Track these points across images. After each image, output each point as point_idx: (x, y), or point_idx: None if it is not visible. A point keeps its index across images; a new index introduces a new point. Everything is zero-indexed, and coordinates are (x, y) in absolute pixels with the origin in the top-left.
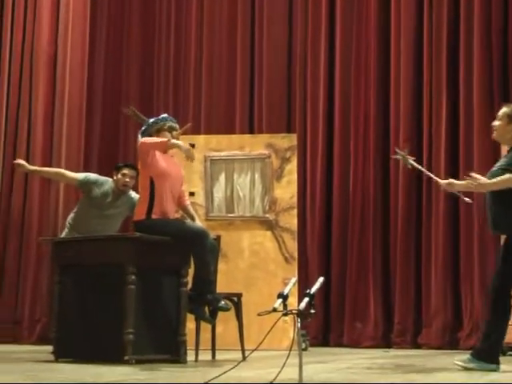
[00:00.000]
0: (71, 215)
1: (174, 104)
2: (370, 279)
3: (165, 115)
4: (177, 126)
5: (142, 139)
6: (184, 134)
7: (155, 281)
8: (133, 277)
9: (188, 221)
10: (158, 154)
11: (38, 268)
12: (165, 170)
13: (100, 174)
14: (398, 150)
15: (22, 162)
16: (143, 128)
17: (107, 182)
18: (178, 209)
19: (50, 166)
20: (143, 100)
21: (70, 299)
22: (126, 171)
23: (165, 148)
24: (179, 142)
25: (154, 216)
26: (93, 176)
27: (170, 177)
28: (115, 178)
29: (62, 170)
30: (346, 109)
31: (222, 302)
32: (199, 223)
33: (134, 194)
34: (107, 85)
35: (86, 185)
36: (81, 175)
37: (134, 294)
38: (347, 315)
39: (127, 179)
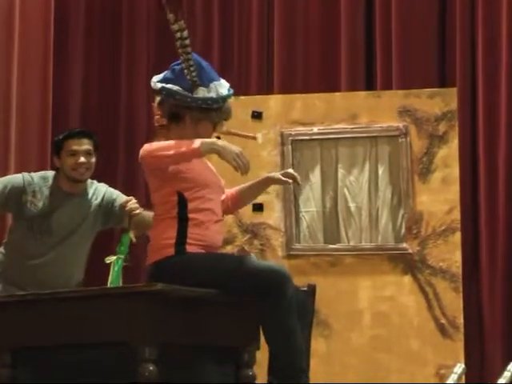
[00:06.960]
0: None
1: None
2: None
3: (223, 82)
4: (231, 111)
5: (145, 147)
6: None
7: (194, 373)
8: (150, 367)
9: (252, 256)
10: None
11: None
12: (204, 179)
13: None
14: None
15: None
16: (170, 74)
17: (47, 178)
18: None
19: None
20: None
21: None
22: (74, 146)
23: (197, 157)
24: (220, 144)
25: (190, 248)
26: (17, 178)
27: (211, 188)
28: (58, 163)
29: None
30: None
31: None
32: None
33: (102, 186)
34: None
35: (10, 198)
36: None
37: None
38: None
39: (82, 158)
